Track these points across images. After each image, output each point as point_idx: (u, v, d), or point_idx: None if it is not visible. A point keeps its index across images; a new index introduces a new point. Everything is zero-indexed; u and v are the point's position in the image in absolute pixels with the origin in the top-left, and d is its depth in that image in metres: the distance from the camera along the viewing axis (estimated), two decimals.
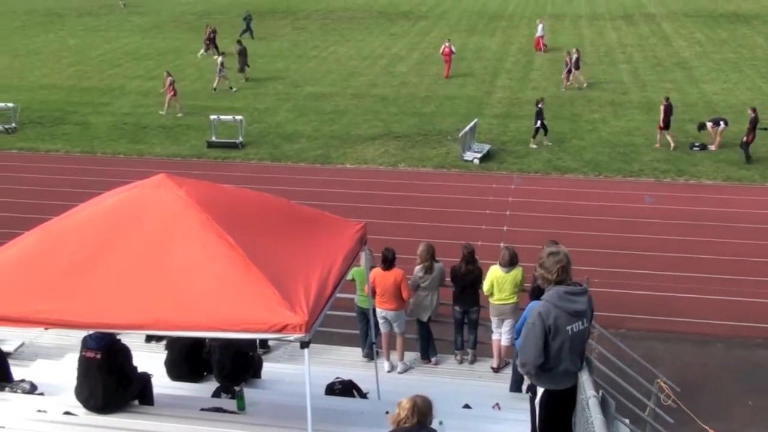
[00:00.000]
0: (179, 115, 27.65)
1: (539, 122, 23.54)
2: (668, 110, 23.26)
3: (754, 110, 22.12)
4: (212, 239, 6.48)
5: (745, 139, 22.13)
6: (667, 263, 16.34)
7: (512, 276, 10.49)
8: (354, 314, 11.32)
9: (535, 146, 23.62)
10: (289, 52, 38.19)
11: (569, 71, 30.49)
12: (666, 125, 23.44)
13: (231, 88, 31.08)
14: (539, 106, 23.52)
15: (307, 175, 21.95)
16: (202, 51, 37.25)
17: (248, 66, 32.83)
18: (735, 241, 17.42)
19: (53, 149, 24.59)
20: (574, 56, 30.59)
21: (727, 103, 28.08)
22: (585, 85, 30.70)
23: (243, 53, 32.68)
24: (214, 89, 31.01)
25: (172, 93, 27.90)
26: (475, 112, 27.33)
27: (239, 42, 33.71)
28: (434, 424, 5.63)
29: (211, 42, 36.88)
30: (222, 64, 31.02)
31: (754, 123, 21.85)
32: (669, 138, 23.61)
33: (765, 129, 22.81)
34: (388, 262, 10.50)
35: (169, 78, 28.01)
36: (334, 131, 25.94)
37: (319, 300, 6.31)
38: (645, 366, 11.58)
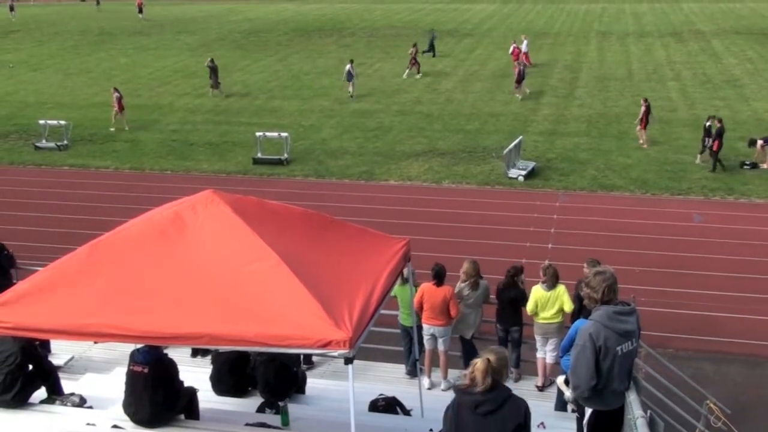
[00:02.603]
0: (126, 128, 28.26)
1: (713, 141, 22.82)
2: (648, 110, 24.84)
3: (719, 120, 22.97)
4: (258, 254, 6.54)
5: (712, 146, 22.82)
6: (717, 283, 16.02)
7: (555, 295, 10.42)
8: (397, 330, 11.31)
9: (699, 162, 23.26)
10: (334, 69, 38.50)
11: (518, 80, 31.72)
12: (645, 125, 24.90)
13: (350, 96, 32.67)
14: (717, 124, 22.76)
15: (351, 191, 22.03)
16: (408, 71, 36.54)
17: (219, 83, 33.52)
18: None
19: (103, 166, 25.09)
20: (518, 68, 31.89)
21: None
22: (520, 97, 31.51)
23: (215, 70, 33.34)
24: (351, 96, 32.51)
25: (119, 108, 28.59)
26: (520, 129, 27.21)
27: (212, 60, 34.29)
28: None
29: (416, 60, 36.43)
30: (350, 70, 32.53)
31: (719, 132, 22.65)
32: (645, 137, 25.09)
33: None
34: (440, 279, 10.53)
35: (116, 94, 28.75)
36: (379, 148, 26.03)
37: (363, 316, 6.31)
38: (694, 387, 11.35)
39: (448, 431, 5.43)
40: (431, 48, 40.27)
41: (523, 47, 37.35)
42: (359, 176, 23.37)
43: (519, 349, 11.15)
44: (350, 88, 33.25)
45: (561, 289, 10.47)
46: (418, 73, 36.25)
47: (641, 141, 25.26)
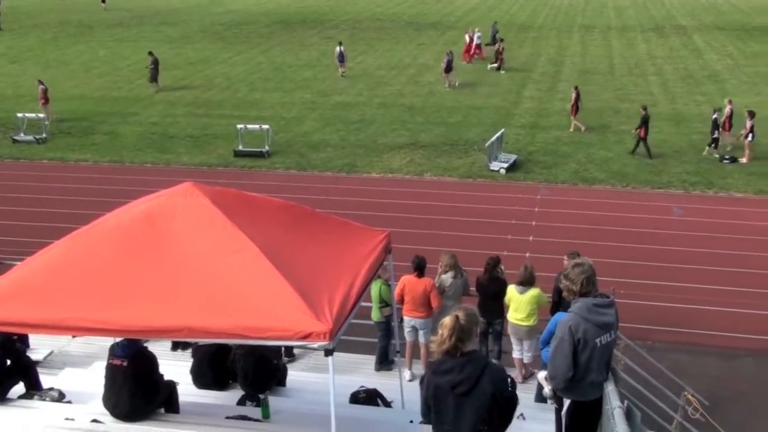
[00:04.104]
0: (46, 122, 27.28)
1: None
2: (578, 97, 26.14)
3: (644, 108, 23.89)
4: (238, 246, 6.53)
5: (639, 133, 23.78)
6: (696, 276, 16.17)
7: (527, 297, 10.42)
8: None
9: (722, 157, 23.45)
10: (316, 62, 38.40)
11: (447, 70, 32.20)
12: (576, 111, 26.17)
13: (342, 75, 33.63)
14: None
15: (333, 183, 22.02)
16: (497, 64, 35.80)
17: (157, 77, 33.22)
18: (765, 254, 17.19)
19: (82, 159, 24.89)
20: (446, 58, 32.54)
21: (760, 116, 27.74)
22: (449, 86, 32.31)
23: (156, 64, 33.10)
24: (343, 75, 33.67)
25: (44, 101, 28.28)
26: (502, 122, 27.26)
27: (151, 53, 33.93)
28: None
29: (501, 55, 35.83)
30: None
31: (644, 120, 23.56)
32: (578, 124, 26.07)
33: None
34: (420, 270, 10.56)
35: (41, 87, 28.49)
36: (361, 140, 26.00)
37: (343, 308, 6.32)
38: (672, 379, 11.46)
39: (427, 415, 5.45)
40: (493, 40, 39.52)
41: (475, 39, 37.61)
42: (341, 169, 23.33)
43: (500, 341, 11.20)
44: (341, 69, 34.31)
45: (533, 293, 10.44)
46: (500, 69, 35.62)
47: (575, 128, 26.28)
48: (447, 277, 10.77)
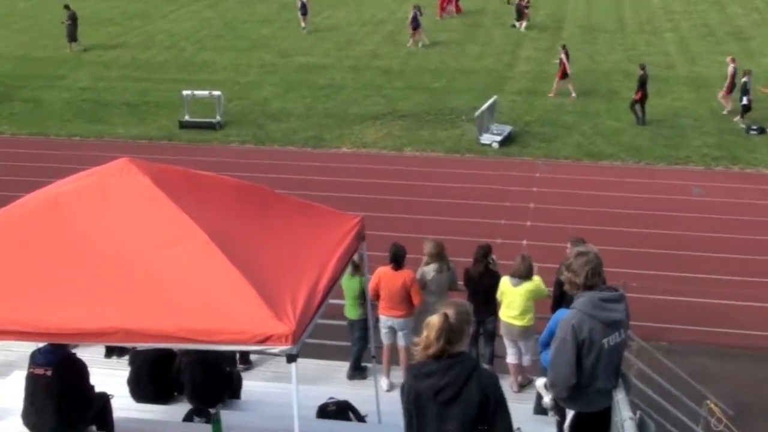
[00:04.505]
0: None
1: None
2: (567, 58, 26.22)
3: (642, 67, 24.29)
4: (183, 233, 6.46)
5: (635, 96, 24.21)
6: (719, 265, 16.31)
7: (522, 291, 10.42)
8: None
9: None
10: (276, 17, 38.18)
11: (413, 27, 32.86)
12: (562, 75, 26.42)
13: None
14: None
15: (297, 160, 21.94)
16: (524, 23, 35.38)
17: (77, 35, 32.57)
18: None
19: None
20: (413, 12, 33.01)
21: None
22: (414, 44, 32.93)
23: (73, 19, 32.35)
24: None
25: None
26: (494, 87, 27.29)
27: (67, 6, 32.94)
28: None
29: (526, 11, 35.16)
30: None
31: (642, 80, 23.99)
32: (569, 87, 26.53)
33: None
34: (398, 261, 10.53)
35: None
36: (329, 109, 25.92)
37: (308, 306, 6.29)
38: (692, 385, 11.57)
39: (409, 425, 5.44)
40: None
41: None
42: (306, 142, 23.25)
43: (493, 343, 11.22)
44: (303, 24, 34.92)
45: (529, 286, 10.44)
46: (521, 25, 35.20)
47: (557, 93, 26.66)
48: (430, 269, 10.76)
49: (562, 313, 7.00)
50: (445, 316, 5.22)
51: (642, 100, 24.07)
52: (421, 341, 5.26)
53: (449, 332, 5.18)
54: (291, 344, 5.83)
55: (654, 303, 14.63)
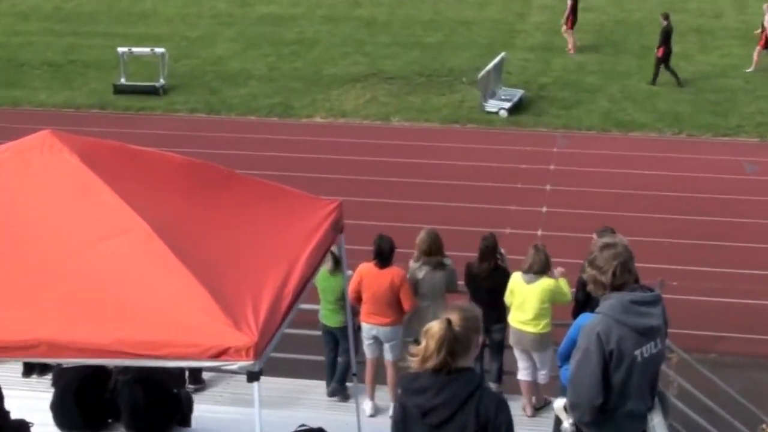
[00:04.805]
0: None
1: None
2: (575, 4, 27.12)
3: (665, 17, 24.62)
4: (119, 224, 6.43)
5: (657, 53, 24.64)
6: None
7: (537, 289, 10.40)
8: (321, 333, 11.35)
9: None
10: None
11: None
12: (572, 24, 27.25)
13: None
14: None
15: (259, 133, 21.95)
16: None
17: None
18: None
19: None
20: None
21: None
22: None
23: None
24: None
25: None
26: (501, 42, 27.32)
27: None
28: None
29: None
30: None
31: (666, 33, 24.31)
32: (571, 39, 27.48)
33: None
34: (384, 257, 10.49)
35: None
36: (298, 70, 25.91)
37: (274, 312, 6.28)
38: (745, 405, 11.62)
39: None
40: None
41: None
42: (270, 111, 23.29)
43: (502, 356, 11.22)
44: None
45: (545, 284, 10.41)
46: None
47: (569, 47, 27.24)
48: (423, 267, 10.74)
49: (586, 319, 7.00)
50: (448, 323, 5.20)
51: (665, 58, 24.18)
52: (419, 351, 5.24)
53: (453, 342, 5.17)
54: (253, 359, 5.81)
55: (699, 306, 14.69)
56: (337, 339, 11.07)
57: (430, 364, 5.19)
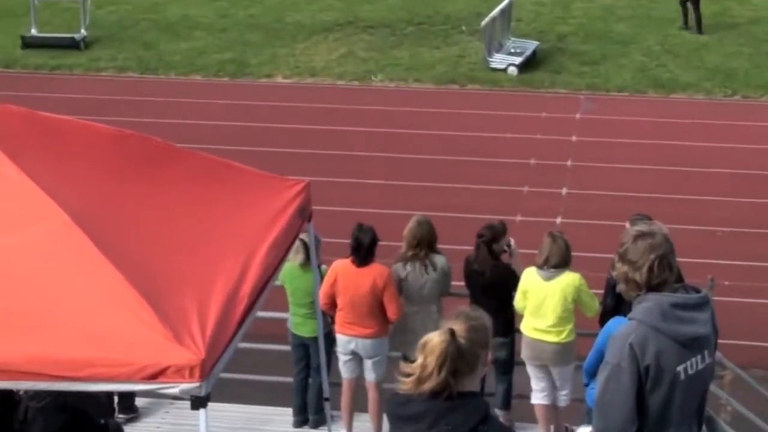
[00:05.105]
0: None
1: None
2: None
3: None
4: (30, 213, 6.43)
5: None
6: None
7: (559, 287, 10.43)
8: (288, 347, 11.36)
9: None
10: None
11: None
12: None
13: None
14: None
15: (207, 96, 21.97)
16: None
17: None
18: None
19: None
20: None
21: None
22: None
23: None
24: None
25: None
26: None
27: None
28: None
29: None
30: None
31: None
32: None
33: None
34: (363, 253, 10.47)
35: None
36: (255, 18, 25.93)
37: (225, 322, 6.28)
38: None
39: None
40: None
41: None
42: (220, 70, 23.29)
43: (510, 376, 11.25)
44: None
45: (569, 280, 10.41)
46: None
47: None
48: (410, 266, 10.74)
49: (617, 325, 7.01)
50: (452, 334, 5.15)
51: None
52: (414, 370, 5.15)
53: (457, 360, 5.12)
54: (198, 380, 5.82)
55: (757, 310, 14.70)
56: (310, 354, 11.03)
57: (429, 386, 5.13)
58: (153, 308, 6.02)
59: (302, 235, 9.03)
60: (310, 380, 11.19)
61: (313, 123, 20.63)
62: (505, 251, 11.02)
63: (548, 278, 10.35)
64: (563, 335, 10.46)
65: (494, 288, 10.84)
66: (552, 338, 10.49)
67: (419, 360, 5.12)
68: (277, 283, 9.63)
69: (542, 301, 10.40)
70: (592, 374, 7.73)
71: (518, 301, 10.60)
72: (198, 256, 6.79)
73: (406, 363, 5.25)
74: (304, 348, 11.09)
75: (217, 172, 8.06)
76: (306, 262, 10.41)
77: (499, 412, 11.30)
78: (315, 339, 10.59)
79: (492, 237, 10.83)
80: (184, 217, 7.22)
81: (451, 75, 22.73)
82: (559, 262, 10.34)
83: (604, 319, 10.15)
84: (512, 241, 11.10)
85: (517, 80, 22.43)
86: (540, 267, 10.37)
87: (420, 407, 5.17)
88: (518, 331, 10.89)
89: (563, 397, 10.85)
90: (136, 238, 6.65)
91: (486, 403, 5.26)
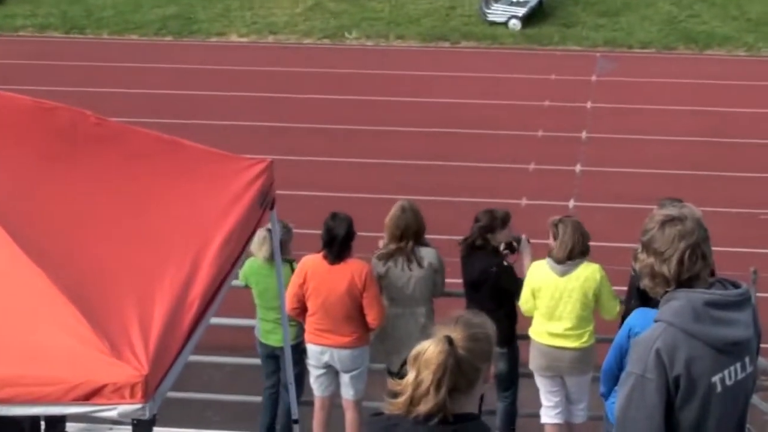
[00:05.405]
0: None
1: None
2: None
3: None
4: None
5: None
6: None
7: (578, 283, 10.44)
8: (252, 360, 11.40)
9: None
10: None
11: None
12: None
13: None
14: None
15: (145, 59, 21.97)
16: None
17: None
18: None
19: None
20: None
21: None
22: None
23: None
24: None
25: None
26: None
27: None
28: None
29: None
30: None
31: None
32: None
33: None
34: (337, 247, 10.48)
35: None
36: None
37: (172, 332, 6.30)
38: None
39: None
40: None
41: None
42: (162, 27, 23.36)
43: (514, 393, 11.30)
44: None
45: (590, 270, 10.40)
46: None
47: None
48: (393, 262, 10.77)
49: (641, 319, 7.09)
50: (449, 343, 5.11)
51: None
52: (405, 388, 5.08)
53: (456, 374, 5.10)
54: (141, 401, 5.85)
55: None
56: (282, 367, 11.03)
57: (423, 407, 5.08)
58: (85, 317, 6.04)
59: (268, 225, 9.07)
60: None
61: (275, 90, 20.69)
62: (508, 250, 10.99)
63: (564, 273, 10.28)
64: (584, 339, 10.41)
65: (497, 284, 10.87)
66: (571, 343, 10.44)
67: (411, 375, 5.01)
68: (238, 283, 9.68)
69: (558, 301, 10.34)
70: (612, 379, 7.82)
71: (526, 302, 10.49)
72: (139, 254, 6.82)
73: (393, 379, 5.21)
74: (275, 360, 11.04)
75: (160, 151, 8.07)
76: (269, 257, 10.38)
77: None
78: (282, 348, 10.53)
79: (489, 225, 10.78)
80: (121, 207, 7.23)
81: (440, 30, 22.76)
82: (575, 252, 10.36)
83: (624, 320, 10.19)
84: (524, 238, 11.09)
85: (521, 36, 22.49)
86: (553, 260, 10.38)
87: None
88: (523, 337, 10.94)
89: (580, 413, 10.86)
90: (64, 234, 6.67)
91: (487, 427, 5.24)
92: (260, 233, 9.47)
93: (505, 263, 10.83)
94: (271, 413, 11.31)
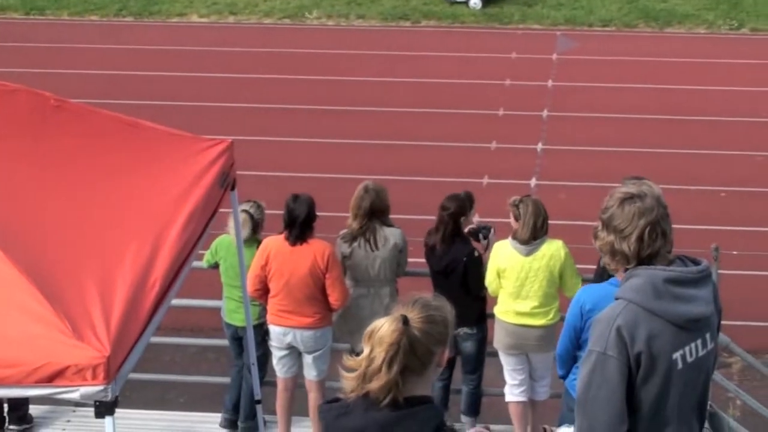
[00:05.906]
0: None
1: None
2: None
3: None
4: None
5: None
6: None
7: (543, 261, 10.47)
8: (219, 341, 11.39)
9: None
10: None
11: None
12: None
13: None
14: None
15: (105, 41, 21.90)
16: None
17: None
18: None
19: None
20: None
21: None
22: None
23: None
24: None
25: None
26: None
27: None
28: None
29: None
30: None
31: None
32: None
33: None
34: (298, 228, 10.44)
35: None
36: None
37: (133, 314, 6.28)
38: None
39: None
40: None
41: None
42: (123, 8, 23.25)
43: (480, 373, 11.27)
44: None
45: (554, 248, 10.41)
46: None
47: None
48: (356, 242, 10.75)
49: (591, 295, 7.13)
50: (404, 323, 5.10)
51: None
52: (358, 364, 5.06)
53: (408, 354, 5.07)
54: (103, 382, 5.83)
55: (766, 285, 14.83)
56: (243, 345, 11.00)
57: (375, 384, 5.08)
58: (46, 298, 6.02)
59: (245, 206, 9.01)
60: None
61: (235, 71, 20.66)
62: (473, 237, 10.98)
63: (529, 252, 10.33)
64: (550, 317, 10.49)
65: (452, 266, 10.88)
66: (537, 321, 10.47)
67: (365, 352, 5.03)
68: (200, 264, 9.67)
69: (524, 280, 10.40)
70: (570, 360, 7.85)
71: (491, 283, 10.55)
72: (100, 236, 6.78)
73: (351, 356, 5.15)
74: (239, 342, 11.03)
75: (120, 132, 8.03)
76: (250, 237, 10.51)
77: (464, 419, 11.37)
78: (255, 327, 10.58)
79: (458, 210, 10.75)
80: (82, 188, 7.20)
81: (401, 9, 22.72)
82: (539, 231, 10.38)
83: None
84: (492, 230, 11.10)
85: (482, 15, 22.46)
86: (518, 241, 10.42)
87: (360, 419, 5.11)
88: (488, 316, 10.95)
89: (542, 390, 10.88)
90: (25, 215, 6.65)
91: (440, 410, 5.22)
92: (241, 216, 9.47)
93: (476, 254, 10.84)
94: (236, 393, 11.27)
